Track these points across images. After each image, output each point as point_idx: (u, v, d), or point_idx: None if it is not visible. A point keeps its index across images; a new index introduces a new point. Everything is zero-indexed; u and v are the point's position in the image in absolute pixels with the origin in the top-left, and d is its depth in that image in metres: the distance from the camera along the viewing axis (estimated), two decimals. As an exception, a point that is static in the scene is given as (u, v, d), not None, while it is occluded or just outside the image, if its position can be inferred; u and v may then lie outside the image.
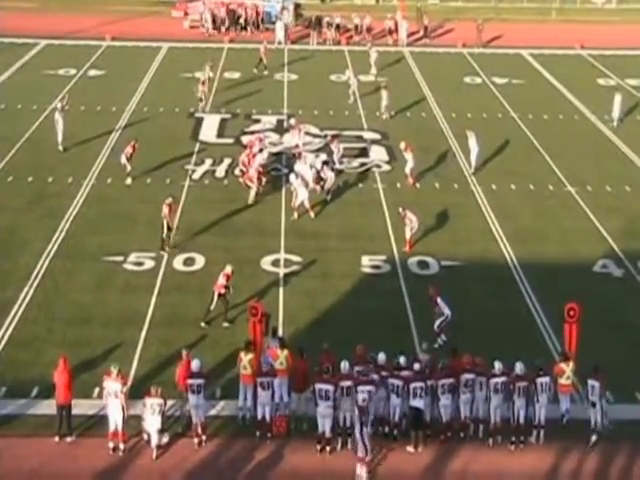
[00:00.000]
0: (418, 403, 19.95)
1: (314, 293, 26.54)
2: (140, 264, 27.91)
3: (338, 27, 57.66)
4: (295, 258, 28.52)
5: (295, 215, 31.10)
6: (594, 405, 20.18)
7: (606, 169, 36.77)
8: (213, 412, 20.96)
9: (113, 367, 19.92)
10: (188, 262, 28.12)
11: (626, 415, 20.60)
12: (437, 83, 48.28)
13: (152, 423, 19.55)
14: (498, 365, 20.22)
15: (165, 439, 19.99)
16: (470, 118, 42.43)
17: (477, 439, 20.43)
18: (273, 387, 20.37)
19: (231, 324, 24.56)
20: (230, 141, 38.80)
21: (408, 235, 29.05)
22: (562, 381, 20.65)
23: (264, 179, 32.92)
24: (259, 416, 20.39)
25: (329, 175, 32.65)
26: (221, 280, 24.69)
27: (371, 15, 59.11)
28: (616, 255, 29.35)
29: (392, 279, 27.58)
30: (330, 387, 19.68)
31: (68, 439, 20.05)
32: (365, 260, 28.56)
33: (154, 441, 19.66)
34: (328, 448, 19.91)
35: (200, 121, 41.25)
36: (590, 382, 20.20)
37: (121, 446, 19.70)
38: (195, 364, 20.14)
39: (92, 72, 49.02)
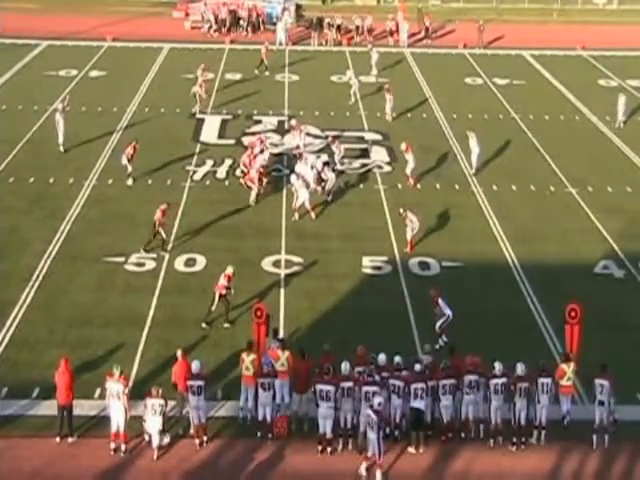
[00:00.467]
0: (419, 404, 19.95)
1: (315, 294, 26.54)
2: (141, 265, 27.92)
3: (339, 28, 57.69)
4: (296, 259, 28.53)
5: (296, 216, 31.11)
6: (602, 404, 20.14)
7: (607, 170, 36.77)
8: (214, 413, 20.97)
9: (115, 368, 19.92)
10: (189, 263, 28.12)
11: (627, 416, 20.56)
12: (438, 84, 48.28)
13: (153, 424, 19.55)
14: (498, 366, 20.20)
15: (166, 440, 19.99)
16: (471, 119, 42.43)
17: (478, 440, 20.44)
18: (274, 388, 20.38)
19: (231, 325, 24.56)
20: (231, 142, 38.81)
21: (409, 236, 29.06)
22: (563, 382, 20.61)
23: (265, 180, 32.92)
24: (260, 417, 20.39)
25: (330, 176, 32.66)
26: (222, 281, 24.70)
27: (372, 16, 59.12)
28: (617, 256, 29.34)
29: (393, 280, 27.58)
30: (331, 388, 19.69)
31: (69, 440, 20.05)
32: (366, 261, 28.57)
33: (155, 442, 19.66)
34: (329, 449, 19.91)
35: (201, 122, 41.26)
36: (599, 381, 20.13)
37: (122, 447, 19.70)
38: (195, 365, 20.14)
39: (93, 73, 49.06)
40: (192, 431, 20.23)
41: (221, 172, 35.28)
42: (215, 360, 22.66)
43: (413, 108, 43.89)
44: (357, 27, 58.14)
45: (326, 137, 38.66)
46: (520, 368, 20.19)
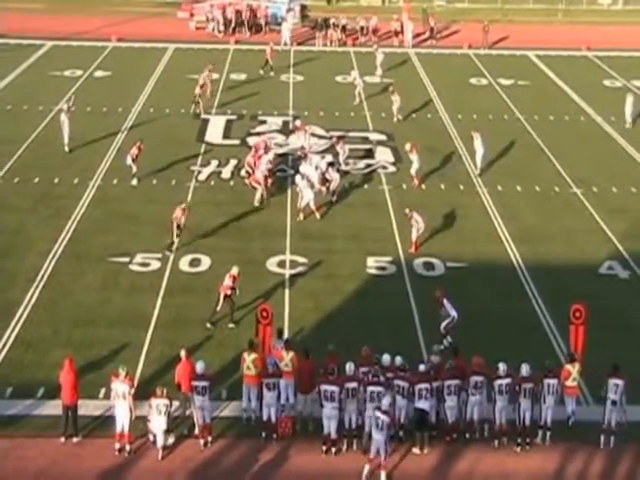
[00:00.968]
0: (423, 405, 19.95)
1: (319, 294, 26.54)
2: (146, 265, 27.95)
3: (344, 28, 57.69)
4: (301, 259, 28.53)
5: (301, 216, 31.11)
6: (614, 403, 20.09)
7: (612, 170, 36.72)
8: (218, 413, 20.98)
9: (121, 369, 19.94)
10: (194, 263, 28.14)
11: (633, 417, 20.51)
12: (443, 84, 48.25)
13: (158, 424, 19.58)
14: (502, 367, 20.19)
15: (171, 440, 20.02)
16: (476, 119, 42.40)
17: (482, 440, 20.43)
18: (279, 388, 20.39)
19: (236, 325, 24.57)
20: (236, 142, 38.81)
21: (414, 236, 29.04)
22: (568, 383, 20.61)
23: (270, 181, 32.91)
24: (264, 417, 20.39)
25: (334, 176, 32.66)
26: (227, 281, 24.71)
27: (377, 16, 59.10)
28: (622, 256, 29.31)
29: (398, 280, 27.57)
30: (335, 388, 19.69)
31: (74, 440, 20.08)
32: (371, 261, 28.56)
33: (160, 442, 19.69)
34: (333, 449, 19.92)
35: (206, 122, 41.27)
36: (613, 381, 20.08)
37: (127, 447, 19.72)
38: (200, 366, 20.17)
39: (98, 73, 49.08)
40: (197, 431, 20.27)
41: (226, 172, 35.29)
42: (220, 360, 22.67)
43: (418, 108, 43.86)
44: (362, 27, 58.13)
45: (331, 137, 38.66)
46: (525, 369, 20.18)
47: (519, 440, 20.26)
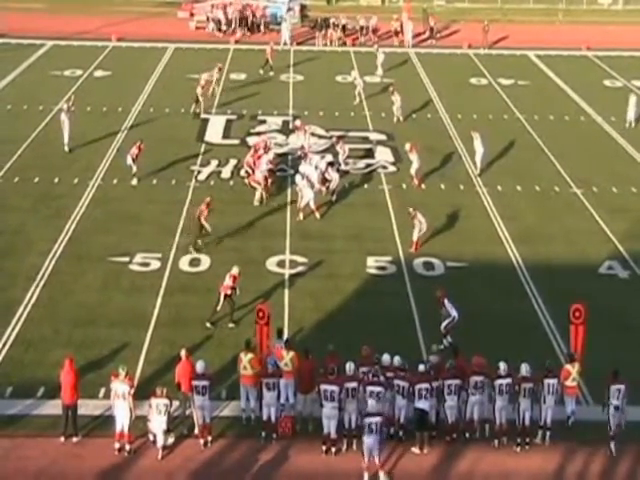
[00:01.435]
0: (423, 405, 19.96)
1: (319, 294, 26.54)
2: (146, 265, 27.95)
3: (344, 28, 57.70)
4: (300, 259, 28.54)
5: (300, 216, 31.12)
6: (617, 409, 20.03)
7: (612, 170, 36.73)
8: (218, 413, 20.99)
9: (121, 369, 19.95)
10: (194, 263, 28.14)
11: (632, 417, 20.50)
12: (443, 84, 48.26)
13: (158, 424, 19.58)
14: (503, 366, 20.19)
15: (171, 440, 20.02)
16: (476, 119, 42.41)
17: (482, 440, 20.44)
18: (279, 388, 20.39)
19: (236, 325, 24.58)
20: (236, 142, 38.81)
21: (415, 236, 29.05)
22: (568, 383, 20.61)
23: (270, 180, 32.91)
24: (264, 417, 20.40)
25: (334, 176, 32.67)
26: (227, 281, 24.71)
27: (377, 16, 59.12)
28: (622, 256, 29.32)
29: (397, 280, 27.58)
30: (335, 388, 19.70)
31: (74, 439, 20.09)
32: (370, 261, 28.57)
33: (160, 442, 19.69)
34: (333, 449, 19.92)
35: (206, 122, 41.28)
36: (616, 386, 19.97)
37: (127, 447, 19.73)
38: (200, 365, 20.18)
39: (98, 73, 49.09)
40: (197, 431, 20.28)
41: (226, 172, 35.29)
42: (220, 360, 22.67)
43: (418, 108, 43.85)
44: (362, 27, 58.15)
45: (331, 137, 38.67)
46: (525, 369, 20.19)
47: (519, 440, 20.26)
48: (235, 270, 25.00)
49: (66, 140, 36.65)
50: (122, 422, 19.66)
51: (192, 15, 61.30)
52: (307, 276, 27.62)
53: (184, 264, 28.06)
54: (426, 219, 29.06)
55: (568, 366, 20.78)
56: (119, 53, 53.54)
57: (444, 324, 23.79)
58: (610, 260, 29.07)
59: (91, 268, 27.67)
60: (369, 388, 19.76)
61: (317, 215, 31.21)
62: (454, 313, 23.70)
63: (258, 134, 39.06)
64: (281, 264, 28.25)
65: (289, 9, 60.16)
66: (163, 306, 25.68)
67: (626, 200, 33.77)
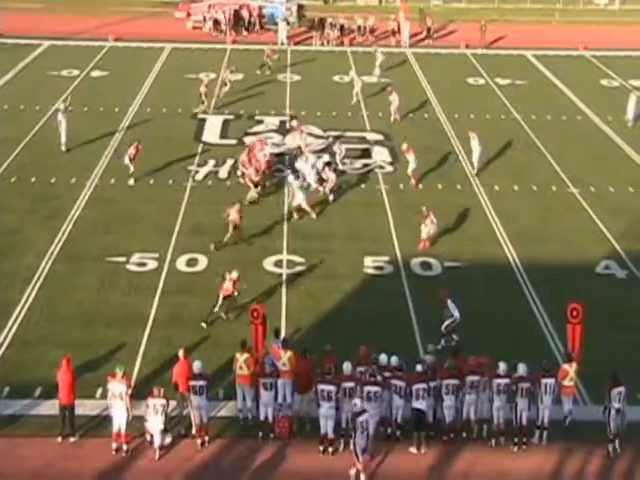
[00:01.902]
0: (421, 405, 19.96)
1: (317, 294, 26.53)
2: (143, 265, 27.93)
3: (342, 28, 57.70)
4: (298, 259, 28.53)
5: (295, 216, 31.10)
6: (618, 412, 19.97)
7: (609, 170, 36.75)
8: (215, 413, 20.98)
9: (118, 369, 19.94)
10: (191, 263, 28.12)
11: (629, 417, 20.48)
12: (440, 84, 48.27)
13: (155, 424, 19.57)
14: (503, 366, 20.19)
15: (168, 440, 20.01)
16: (473, 119, 42.42)
17: (480, 440, 20.44)
18: (276, 388, 20.39)
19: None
20: (233, 142, 38.79)
21: (424, 235, 29.00)
22: (565, 383, 20.59)
23: (266, 181, 32.87)
24: (262, 417, 20.40)
25: (330, 176, 32.67)
26: (228, 285, 24.72)
27: (374, 16, 59.13)
28: (619, 256, 29.33)
29: (395, 280, 27.57)
30: (332, 388, 19.69)
31: (71, 439, 20.07)
32: (368, 261, 28.56)
33: (157, 442, 19.68)
34: (330, 449, 19.92)
35: (203, 122, 41.27)
36: (617, 389, 19.92)
37: (124, 447, 19.72)
38: (197, 365, 20.18)
39: (95, 73, 49.07)
40: (194, 431, 20.27)
41: (223, 172, 35.27)
42: (217, 360, 22.65)
43: (415, 108, 43.86)
44: (359, 27, 58.19)
45: (328, 137, 38.64)
46: (522, 368, 20.19)
47: (516, 440, 20.26)
48: (234, 274, 25.00)
49: (63, 140, 36.62)
50: (119, 422, 19.65)
51: (189, 15, 61.30)
52: (304, 276, 27.61)
53: (181, 264, 28.04)
54: (438, 221, 29.12)
55: (565, 366, 20.77)
56: (116, 53, 53.52)
57: (445, 324, 23.77)
58: (607, 260, 29.08)
59: (88, 268, 27.64)
60: (366, 388, 19.76)
61: (313, 215, 31.19)
62: (456, 314, 23.69)
63: (255, 134, 39.03)
64: (278, 264, 28.23)
65: (286, 9, 60.12)
66: (160, 306, 25.66)
67: (623, 200, 33.78)
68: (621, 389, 20.01)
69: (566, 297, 23.53)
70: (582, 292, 25.06)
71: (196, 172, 35.21)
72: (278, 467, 19.56)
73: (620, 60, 54.49)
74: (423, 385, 19.93)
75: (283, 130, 40.13)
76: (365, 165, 36.61)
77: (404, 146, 34.69)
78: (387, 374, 20.28)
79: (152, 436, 19.78)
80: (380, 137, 39.92)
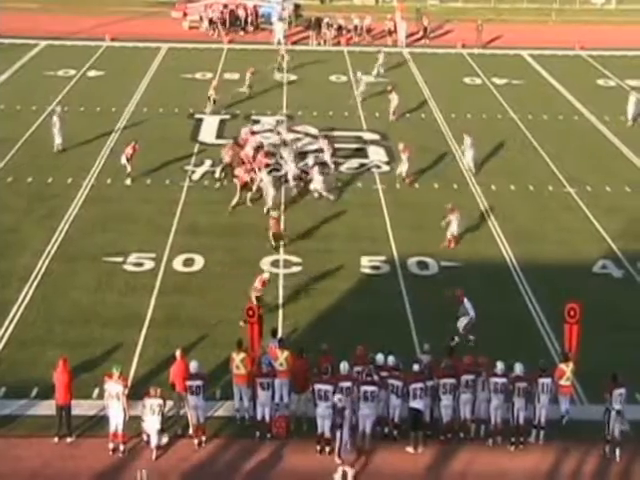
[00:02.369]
0: (418, 404, 19.96)
1: (313, 294, 26.51)
2: (140, 265, 27.91)
3: (340, 28, 57.69)
4: (294, 259, 28.52)
5: (279, 212, 31.07)
6: (619, 413, 19.94)
7: (606, 169, 36.77)
8: (212, 413, 20.97)
9: (115, 369, 19.92)
10: (188, 263, 28.11)
11: (626, 416, 20.49)
12: (437, 84, 48.27)
13: (152, 424, 19.55)
14: (500, 365, 20.19)
15: (165, 440, 20.00)
16: (469, 119, 42.45)
17: (477, 440, 20.44)
18: (273, 387, 20.38)
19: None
20: (229, 142, 38.69)
21: (454, 232, 29.15)
22: (562, 382, 20.61)
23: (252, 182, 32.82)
24: (259, 417, 20.39)
25: (316, 177, 32.60)
26: (257, 284, 24.80)
27: (370, 16, 59.13)
28: (616, 256, 29.35)
29: (391, 280, 27.58)
30: (329, 387, 19.69)
31: (68, 440, 20.05)
32: (364, 261, 28.56)
33: (154, 442, 19.66)
34: (327, 449, 19.90)
35: (199, 122, 41.25)
36: (618, 391, 19.90)
37: (121, 447, 19.70)
38: (193, 365, 20.17)
39: (92, 73, 49.02)
40: (191, 431, 20.25)
41: (219, 172, 35.19)
42: (214, 360, 22.62)
43: (412, 108, 43.83)
44: (355, 27, 58.19)
45: (317, 137, 38.40)
46: (518, 368, 20.21)
47: (513, 439, 20.28)
48: (266, 275, 25.21)
49: (57, 142, 36.33)
50: (116, 422, 19.64)
51: (185, 15, 61.24)
52: (301, 276, 27.59)
53: (178, 264, 28.03)
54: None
55: (562, 365, 20.79)
56: (113, 53, 53.47)
57: (463, 323, 23.85)
58: (604, 259, 29.10)
59: (85, 268, 27.63)
60: (363, 388, 19.76)
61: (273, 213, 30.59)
62: (472, 313, 23.80)
63: (252, 134, 38.91)
64: (275, 264, 28.22)
65: (283, 8, 60.10)
66: (157, 306, 25.65)
67: (620, 199, 33.81)
68: (622, 390, 20.00)
69: (563, 296, 23.54)
70: (579, 291, 25.06)
71: (193, 172, 35.20)
72: (275, 467, 19.55)
73: (617, 60, 54.52)
74: (420, 385, 19.94)
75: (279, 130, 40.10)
76: (362, 165, 36.59)
77: (401, 146, 34.68)
78: (384, 374, 20.28)
79: (149, 436, 19.77)
80: (377, 137, 39.90)
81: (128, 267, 27.79)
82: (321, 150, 35.93)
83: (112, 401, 19.65)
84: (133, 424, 19.89)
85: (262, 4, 60.66)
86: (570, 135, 41.09)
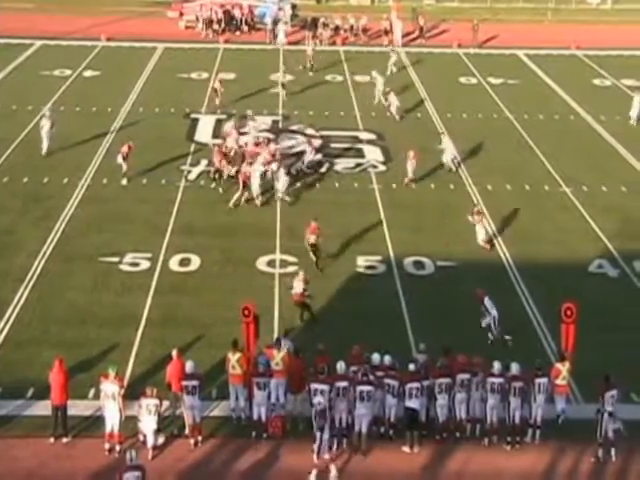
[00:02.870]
0: (414, 404, 19.97)
1: (310, 293, 26.46)
2: (136, 265, 27.90)
3: (337, 28, 57.69)
4: (291, 258, 28.51)
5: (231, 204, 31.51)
6: (611, 415, 19.92)
7: (602, 169, 36.80)
8: (208, 413, 20.96)
9: (111, 369, 19.91)
10: (184, 263, 28.10)
11: (621, 415, 20.51)
12: (433, 83, 48.28)
13: (148, 424, 19.56)
14: (497, 365, 20.21)
15: (161, 440, 20.00)
16: (465, 118, 42.48)
17: (473, 439, 20.46)
18: (270, 387, 20.38)
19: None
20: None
21: (485, 235, 29.42)
22: (558, 382, 20.61)
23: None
24: (255, 416, 20.39)
25: (282, 178, 32.52)
26: (298, 286, 24.89)
27: (366, 16, 59.14)
28: (612, 255, 29.38)
29: (388, 279, 27.58)
30: (325, 387, 19.69)
31: (64, 440, 20.04)
32: (360, 260, 28.57)
33: (150, 442, 19.67)
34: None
35: (195, 122, 41.24)
36: (610, 393, 19.86)
37: (117, 447, 19.69)
38: (189, 365, 20.17)
39: (87, 73, 48.97)
40: (187, 431, 20.25)
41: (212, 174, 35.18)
42: (210, 360, 22.60)
43: (408, 108, 43.82)
44: (351, 27, 58.21)
45: (306, 137, 38.36)
46: (515, 368, 20.22)
47: (509, 439, 20.29)
48: (301, 275, 25.22)
49: (45, 144, 35.89)
50: (112, 422, 19.63)
51: (181, 15, 61.18)
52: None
53: (174, 264, 28.02)
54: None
55: (558, 365, 20.79)
56: (108, 53, 53.41)
57: (485, 323, 24.11)
58: (600, 259, 29.13)
59: (81, 268, 27.61)
60: (359, 387, 19.77)
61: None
62: (494, 312, 23.89)
63: (249, 134, 38.95)
64: (271, 263, 28.22)
65: (280, 8, 60.09)
66: (153, 306, 25.64)
67: (616, 199, 33.84)
68: (614, 392, 19.99)
69: (559, 296, 23.58)
70: (575, 291, 25.08)
71: (189, 172, 35.18)
72: (271, 467, 19.55)
73: (612, 59, 54.55)
74: (416, 384, 19.94)
75: (275, 130, 40.04)
76: (358, 164, 36.59)
77: (411, 153, 34.26)
78: (380, 373, 20.29)
79: (145, 436, 19.77)
80: (373, 136, 39.90)
81: (124, 267, 27.78)
82: (303, 152, 35.91)
83: (108, 401, 19.63)
84: (129, 424, 19.90)
85: (257, 4, 60.64)
86: (566, 135, 41.12)
